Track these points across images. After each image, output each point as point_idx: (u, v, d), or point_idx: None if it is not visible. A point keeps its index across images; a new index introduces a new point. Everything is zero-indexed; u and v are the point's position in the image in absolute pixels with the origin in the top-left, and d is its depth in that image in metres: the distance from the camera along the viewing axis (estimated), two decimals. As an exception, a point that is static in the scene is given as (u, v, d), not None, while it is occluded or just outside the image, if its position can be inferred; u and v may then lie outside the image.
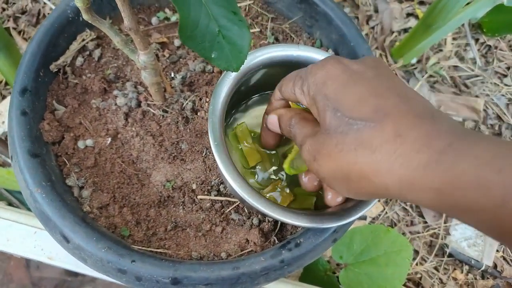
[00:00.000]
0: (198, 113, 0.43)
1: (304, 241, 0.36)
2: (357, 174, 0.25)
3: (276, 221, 0.40)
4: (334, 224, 0.33)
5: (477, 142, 0.21)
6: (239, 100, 0.44)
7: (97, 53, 0.45)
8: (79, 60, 0.45)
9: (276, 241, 0.39)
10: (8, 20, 0.80)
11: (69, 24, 0.43)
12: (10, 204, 0.68)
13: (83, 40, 0.46)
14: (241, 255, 0.38)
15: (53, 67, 0.43)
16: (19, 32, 0.78)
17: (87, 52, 0.45)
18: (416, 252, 0.65)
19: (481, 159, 0.20)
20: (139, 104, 0.43)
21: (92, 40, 0.46)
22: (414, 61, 0.79)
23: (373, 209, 0.61)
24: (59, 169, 0.40)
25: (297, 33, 0.51)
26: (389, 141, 0.23)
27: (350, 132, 0.25)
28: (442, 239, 0.65)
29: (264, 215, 0.40)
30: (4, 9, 0.82)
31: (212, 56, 0.28)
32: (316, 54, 0.39)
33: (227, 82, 0.36)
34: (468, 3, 0.62)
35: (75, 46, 0.45)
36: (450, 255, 0.65)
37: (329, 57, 0.30)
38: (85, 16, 0.33)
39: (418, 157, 0.22)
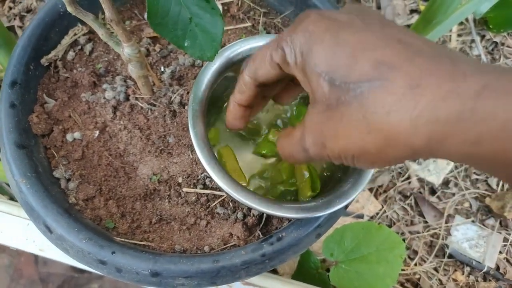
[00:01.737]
0: (186, 107, 0.43)
1: (286, 235, 0.36)
2: (375, 145, 0.21)
3: (261, 216, 0.40)
4: (320, 213, 0.32)
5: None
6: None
7: (88, 47, 0.46)
8: (71, 54, 0.45)
9: (261, 236, 0.39)
10: (14, 19, 0.82)
11: (60, 18, 0.44)
12: (11, 198, 0.69)
13: (75, 34, 0.46)
14: (224, 249, 0.38)
15: (44, 61, 0.43)
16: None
17: (79, 47, 0.46)
18: (415, 252, 0.63)
19: None
20: (127, 98, 0.43)
21: (84, 34, 0.46)
22: (417, 58, 0.77)
23: (371, 207, 0.61)
24: (47, 161, 0.41)
25: (289, 27, 0.50)
26: (405, 95, 0.19)
27: (353, 101, 0.21)
28: (443, 239, 0.64)
29: (249, 208, 0.40)
30: (11, 8, 0.83)
31: (185, 44, 0.28)
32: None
33: (209, 71, 0.36)
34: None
35: (66, 40, 0.45)
36: (450, 256, 0.63)
37: (309, 12, 0.25)
38: (68, 8, 0.33)
39: (446, 107, 0.18)
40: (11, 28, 0.77)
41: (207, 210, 0.40)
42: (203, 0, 0.27)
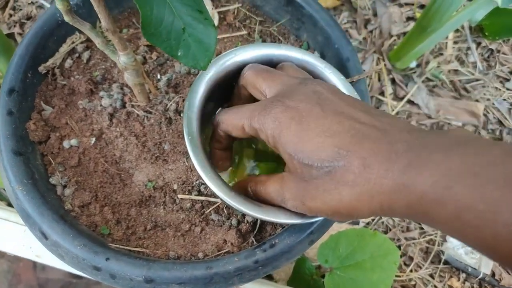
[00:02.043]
0: (181, 114, 0.43)
1: (279, 242, 0.36)
2: (347, 208, 0.27)
3: (255, 222, 0.40)
4: (313, 219, 0.33)
5: (430, 158, 0.23)
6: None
7: (86, 55, 0.46)
8: (68, 62, 0.46)
9: (254, 242, 0.39)
10: (14, 26, 0.83)
11: (58, 27, 0.44)
12: (9, 204, 0.69)
13: (73, 42, 0.47)
14: (218, 256, 0.38)
15: (41, 68, 0.44)
16: (24, 37, 0.80)
17: (76, 54, 0.46)
18: (411, 258, 0.64)
19: (435, 177, 0.22)
20: (123, 105, 0.44)
21: (81, 42, 0.47)
22: (413, 64, 0.78)
23: (367, 213, 0.60)
24: (44, 168, 0.41)
25: (284, 35, 0.51)
26: (361, 173, 0.25)
27: (323, 176, 0.27)
28: (438, 245, 0.64)
29: (243, 214, 0.40)
30: (11, 15, 0.84)
31: (179, 54, 0.28)
32: (295, 53, 0.39)
33: (204, 79, 0.36)
34: (464, 5, 0.61)
35: (64, 48, 0.46)
36: (446, 262, 0.64)
37: (274, 102, 0.30)
38: (66, 18, 0.34)
39: (387, 183, 0.24)
40: (11, 35, 0.78)
41: (202, 216, 0.40)
42: (197, 11, 0.28)
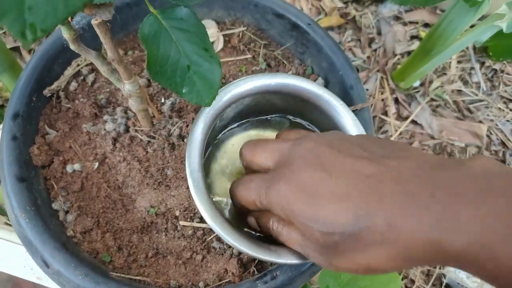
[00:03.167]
0: (185, 140, 0.43)
1: (280, 274, 0.36)
2: (379, 265, 0.25)
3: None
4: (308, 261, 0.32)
5: (461, 213, 0.22)
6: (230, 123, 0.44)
7: (90, 78, 0.47)
8: (73, 85, 0.46)
9: (256, 272, 0.39)
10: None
11: (64, 50, 0.45)
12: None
13: (78, 65, 0.47)
14: (219, 285, 0.38)
15: (46, 92, 0.44)
16: (29, 51, 0.81)
17: (81, 77, 0.47)
18: (412, 281, 0.63)
19: (471, 235, 0.21)
20: (127, 130, 0.44)
21: (86, 65, 0.47)
22: (417, 84, 0.78)
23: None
24: (46, 192, 0.41)
25: (289, 59, 0.51)
26: (388, 231, 0.24)
27: (348, 239, 0.25)
28: (440, 268, 0.63)
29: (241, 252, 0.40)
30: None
31: (183, 91, 0.29)
32: (294, 80, 0.39)
33: (203, 114, 0.36)
34: (471, 27, 0.61)
35: (69, 71, 0.46)
36: (447, 286, 0.63)
37: (275, 177, 0.29)
38: (72, 47, 0.34)
39: (418, 238, 0.23)
40: (16, 49, 0.79)
41: (203, 244, 0.40)
42: (202, 49, 0.28)
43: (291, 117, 0.46)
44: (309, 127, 0.45)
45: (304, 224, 0.27)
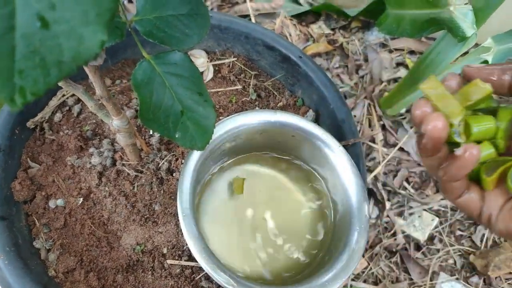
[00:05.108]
0: (174, 174, 0.42)
1: (272, 318, 0.35)
2: None
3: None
4: None
5: None
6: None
7: (76, 108, 0.45)
8: (58, 116, 0.44)
9: (246, 313, 0.38)
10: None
11: (49, 80, 0.43)
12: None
13: (63, 95, 0.46)
14: (208, 329, 0.36)
15: (30, 123, 0.43)
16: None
17: (67, 108, 0.45)
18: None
19: None
20: (114, 163, 0.42)
21: (72, 95, 0.46)
22: (403, 110, 0.79)
23: (358, 265, 0.60)
24: (28, 229, 0.39)
25: (279, 90, 0.51)
26: None
27: None
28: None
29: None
30: None
31: (176, 136, 0.28)
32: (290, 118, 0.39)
33: (193, 157, 0.35)
34: (456, 59, 0.62)
35: (54, 102, 0.45)
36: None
37: None
38: (59, 83, 0.33)
39: None
40: None
41: (191, 283, 0.39)
42: (196, 93, 0.27)
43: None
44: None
45: None
